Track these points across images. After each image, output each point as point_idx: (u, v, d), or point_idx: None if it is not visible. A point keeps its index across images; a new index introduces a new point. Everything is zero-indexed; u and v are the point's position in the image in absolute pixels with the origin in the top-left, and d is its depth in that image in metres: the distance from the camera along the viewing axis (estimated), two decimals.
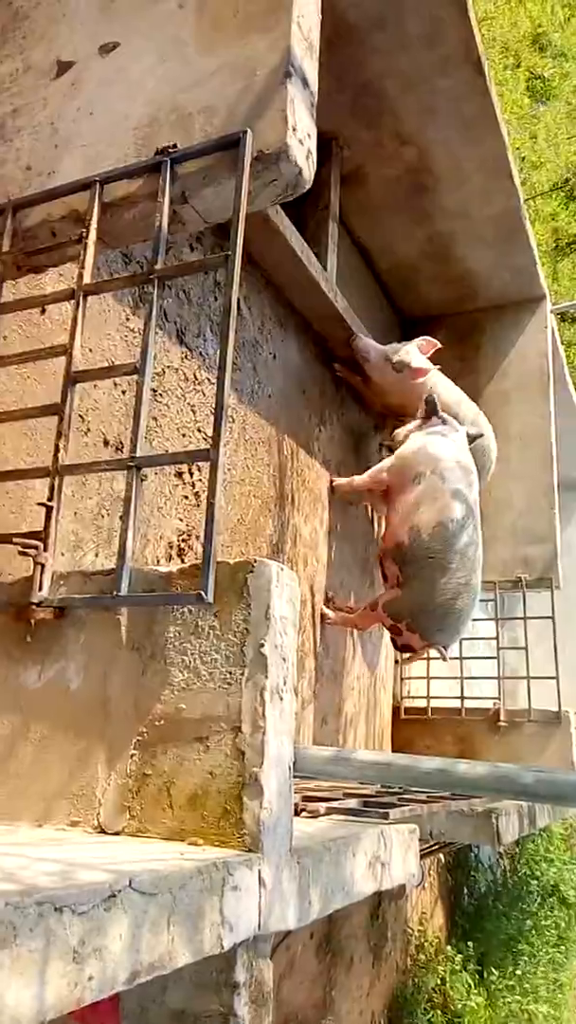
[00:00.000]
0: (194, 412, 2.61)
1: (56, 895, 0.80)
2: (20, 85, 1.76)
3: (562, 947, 6.42)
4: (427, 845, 3.20)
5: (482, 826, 2.74)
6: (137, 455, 1.38)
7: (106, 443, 2.21)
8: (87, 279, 1.52)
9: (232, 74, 1.49)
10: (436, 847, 3.57)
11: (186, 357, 2.60)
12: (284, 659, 1.28)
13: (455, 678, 4.35)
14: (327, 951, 3.64)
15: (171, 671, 1.30)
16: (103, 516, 2.16)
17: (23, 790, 1.37)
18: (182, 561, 2.49)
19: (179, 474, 2.53)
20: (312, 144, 1.47)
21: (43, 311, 2.00)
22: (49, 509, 1.43)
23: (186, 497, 2.54)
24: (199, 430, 2.61)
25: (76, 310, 1.52)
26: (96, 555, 2.12)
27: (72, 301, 1.53)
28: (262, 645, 1.24)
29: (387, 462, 3.43)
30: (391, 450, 3.80)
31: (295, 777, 1.33)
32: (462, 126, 3.55)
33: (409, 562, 3.09)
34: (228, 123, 1.45)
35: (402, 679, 4.56)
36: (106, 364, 2.19)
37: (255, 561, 1.29)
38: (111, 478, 2.17)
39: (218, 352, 1.34)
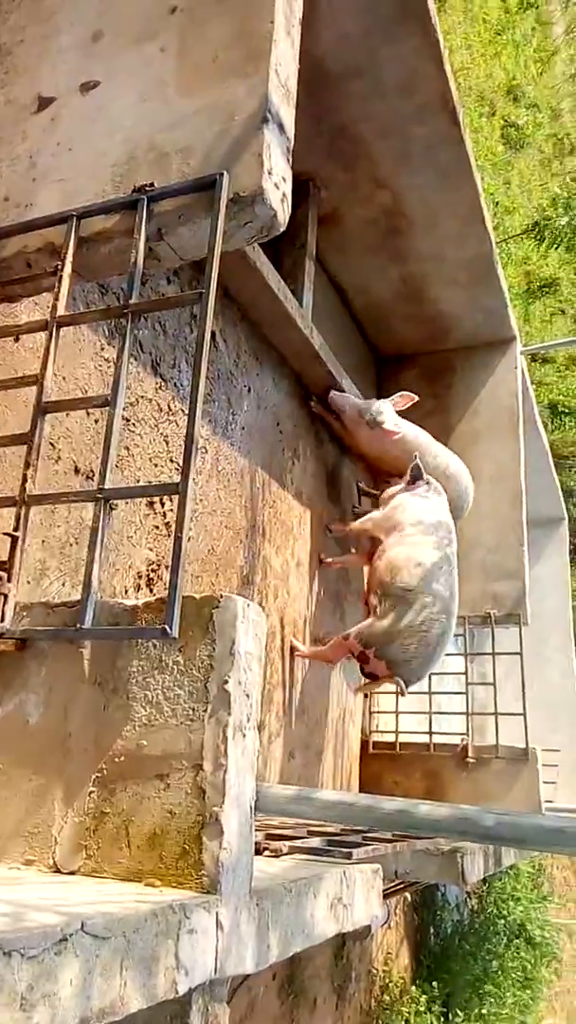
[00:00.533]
0: (167, 442, 2.62)
1: (4, 938, 0.78)
2: (0, 118, 1.78)
3: (528, 989, 6.35)
4: (392, 884, 3.17)
5: (447, 866, 2.72)
6: (106, 487, 1.38)
7: (77, 471, 2.20)
8: (61, 311, 1.52)
9: (211, 117, 1.53)
10: (401, 886, 3.53)
11: (160, 388, 2.61)
12: (248, 695, 1.27)
13: (424, 713, 4.35)
14: (289, 992, 3.56)
15: (133, 706, 1.29)
16: (71, 545, 2.14)
17: None
18: (151, 591, 2.47)
19: (150, 503, 2.52)
20: (287, 188, 1.51)
21: (16, 339, 2.00)
22: (15, 539, 1.42)
23: (156, 527, 2.53)
24: (172, 460, 2.62)
25: (49, 341, 1.52)
26: (63, 584, 2.10)
27: (45, 332, 1.54)
28: (226, 681, 1.24)
29: (376, 514, 3.71)
30: (368, 494, 4.14)
31: (257, 816, 1.32)
32: (437, 173, 3.64)
33: (387, 595, 3.32)
34: (205, 164, 1.48)
35: (371, 713, 4.54)
36: (80, 393, 2.20)
37: (221, 596, 1.28)
38: (81, 507, 2.15)
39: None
